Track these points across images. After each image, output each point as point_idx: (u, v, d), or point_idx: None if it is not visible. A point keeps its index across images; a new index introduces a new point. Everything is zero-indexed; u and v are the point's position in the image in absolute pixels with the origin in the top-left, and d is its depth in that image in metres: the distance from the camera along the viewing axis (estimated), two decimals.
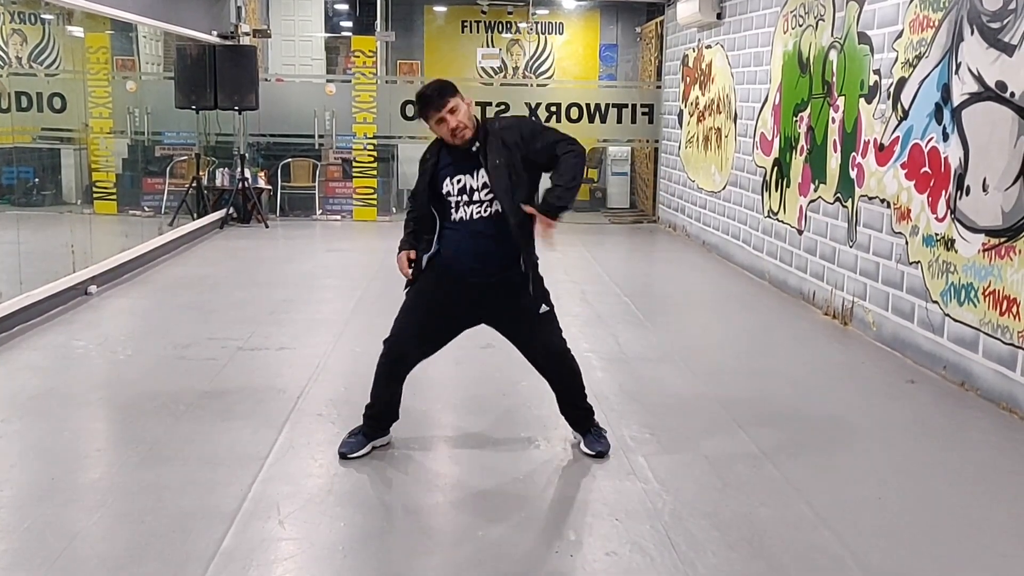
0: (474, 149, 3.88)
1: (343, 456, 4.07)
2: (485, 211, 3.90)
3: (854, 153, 6.66)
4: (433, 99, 3.83)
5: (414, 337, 4.06)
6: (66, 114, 9.99)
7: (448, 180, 3.91)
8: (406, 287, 4.10)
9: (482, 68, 15.29)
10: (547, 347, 4.11)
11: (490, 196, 3.88)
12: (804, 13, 7.63)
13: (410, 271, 4.03)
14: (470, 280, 3.94)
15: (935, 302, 5.55)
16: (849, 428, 4.67)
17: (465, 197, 3.90)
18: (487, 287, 3.96)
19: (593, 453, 4.16)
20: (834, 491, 3.88)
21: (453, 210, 3.92)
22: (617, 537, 3.43)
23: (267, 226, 11.31)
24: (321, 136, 12.14)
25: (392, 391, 4.16)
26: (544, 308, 4.04)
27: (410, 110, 12.07)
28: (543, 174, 3.96)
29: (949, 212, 5.41)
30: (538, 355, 4.14)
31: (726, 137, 9.61)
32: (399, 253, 4.07)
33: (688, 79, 11.14)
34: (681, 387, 5.27)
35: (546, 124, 4.07)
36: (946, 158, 5.46)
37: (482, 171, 3.87)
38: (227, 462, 4.02)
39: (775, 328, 6.86)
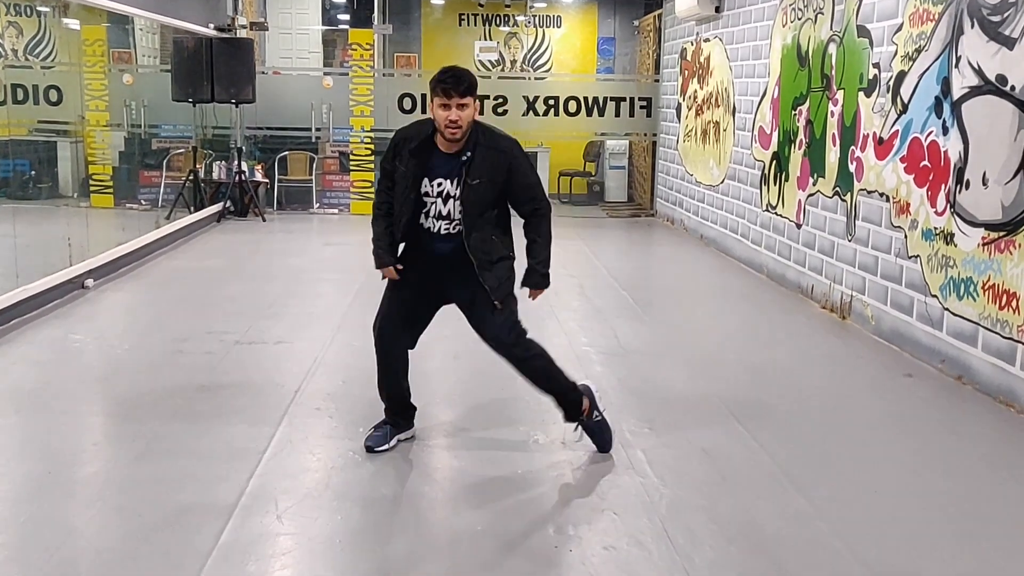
0: (464, 159, 3.83)
1: (369, 449, 4.07)
2: (454, 228, 3.89)
3: (853, 147, 6.65)
4: (457, 82, 3.76)
5: (395, 317, 4.05)
6: (62, 107, 9.95)
7: (427, 181, 3.86)
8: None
9: (480, 61, 15.26)
10: (496, 339, 4.03)
11: (461, 210, 3.85)
12: (803, 6, 7.61)
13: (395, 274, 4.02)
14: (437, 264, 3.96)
15: (934, 296, 5.54)
16: (847, 422, 4.66)
17: (440, 203, 3.86)
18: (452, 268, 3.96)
19: (597, 447, 4.13)
20: (831, 484, 3.88)
21: (424, 215, 3.90)
22: (615, 531, 3.42)
23: (264, 219, 11.28)
24: (318, 129, 12.11)
25: (393, 380, 4.15)
26: (499, 305, 3.96)
27: (407, 103, 12.06)
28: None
29: (948, 206, 5.41)
30: (491, 344, 4.08)
31: (724, 131, 9.60)
32: (383, 264, 4.01)
33: (686, 72, 11.11)
34: (679, 381, 5.26)
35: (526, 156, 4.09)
36: (946, 152, 5.45)
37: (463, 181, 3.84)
38: (225, 456, 4.01)
39: (773, 322, 6.86)
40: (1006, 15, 4.92)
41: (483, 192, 3.85)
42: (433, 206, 3.88)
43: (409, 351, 4.15)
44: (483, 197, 3.86)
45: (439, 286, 4.03)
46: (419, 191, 3.87)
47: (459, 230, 3.89)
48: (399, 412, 4.20)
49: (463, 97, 3.74)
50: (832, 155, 7.00)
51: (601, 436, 4.16)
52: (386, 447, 4.10)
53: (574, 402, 4.14)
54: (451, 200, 3.86)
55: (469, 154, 3.83)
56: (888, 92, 6.14)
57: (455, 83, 3.74)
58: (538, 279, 4.01)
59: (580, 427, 4.17)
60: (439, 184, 3.86)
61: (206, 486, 3.72)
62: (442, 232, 3.91)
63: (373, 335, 4.11)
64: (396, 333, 4.07)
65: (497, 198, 3.93)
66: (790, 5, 7.90)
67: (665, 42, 12.20)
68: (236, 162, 11.33)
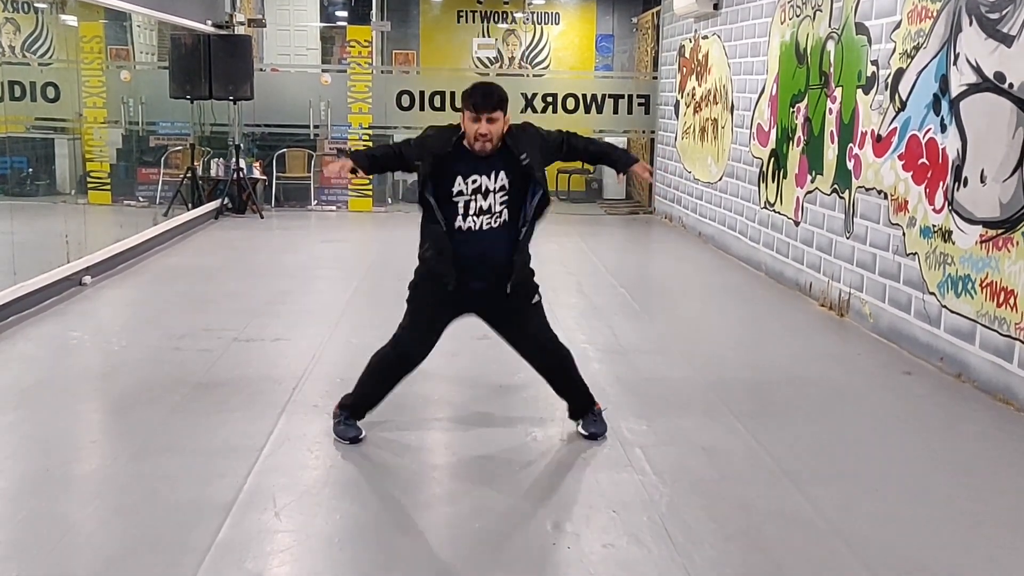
0: (523, 159, 3.87)
1: (354, 440, 4.11)
2: (495, 222, 3.91)
3: (851, 144, 6.65)
4: (487, 98, 3.81)
5: (420, 340, 4.09)
6: (60, 104, 9.93)
7: (461, 179, 3.87)
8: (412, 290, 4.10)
9: (478, 58, 15.26)
10: (538, 337, 4.14)
11: (504, 201, 3.89)
12: (802, 3, 7.60)
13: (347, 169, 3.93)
14: (469, 284, 3.96)
15: (932, 293, 5.54)
16: (845, 419, 4.67)
17: (479, 199, 3.87)
18: (484, 289, 4.00)
19: (587, 434, 4.23)
20: (830, 482, 3.88)
21: (460, 216, 3.89)
22: (614, 529, 3.42)
23: (262, 216, 11.27)
24: (316, 126, 12.10)
25: (386, 391, 4.20)
26: (536, 298, 4.11)
27: (405, 100, 12.06)
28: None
29: (946, 203, 5.41)
30: (530, 346, 4.17)
31: (723, 128, 9.59)
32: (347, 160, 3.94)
33: (685, 70, 11.11)
34: (678, 378, 5.26)
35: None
36: (944, 149, 5.45)
37: (502, 174, 3.86)
38: (223, 453, 4.01)
39: (771, 319, 6.86)
40: (1004, 12, 4.91)
41: (539, 175, 3.94)
42: (472, 200, 3.88)
43: None
44: (536, 181, 3.93)
45: (473, 298, 4.02)
46: (450, 192, 3.87)
47: (501, 222, 3.91)
48: (361, 414, 4.23)
49: (492, 112, 3.80)
50: (830, 152, 7.00)
51: (601, 423, 4.28)
52: (364, 435, 4.16)
53: (588, 397, 4.29)
54: (491, 194, 3.88)
55: (525, 155, 3.88)
56: (886, 89, 6.14)
57: (484, 101, 3.80)
58: (627, 158, 4.23)
59: (583, 421, 4.27)
60: (474, 181, 3.87)
61: (204, 483, 3.71)
62: (483, 227, 3.90)
63: (391, 350, 4.10)
64: (416, 355, 4.10)
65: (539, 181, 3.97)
66: (788, 2, 7.89)
67: (663, 39, 12.19)
68: (234, 159, 11.31)
